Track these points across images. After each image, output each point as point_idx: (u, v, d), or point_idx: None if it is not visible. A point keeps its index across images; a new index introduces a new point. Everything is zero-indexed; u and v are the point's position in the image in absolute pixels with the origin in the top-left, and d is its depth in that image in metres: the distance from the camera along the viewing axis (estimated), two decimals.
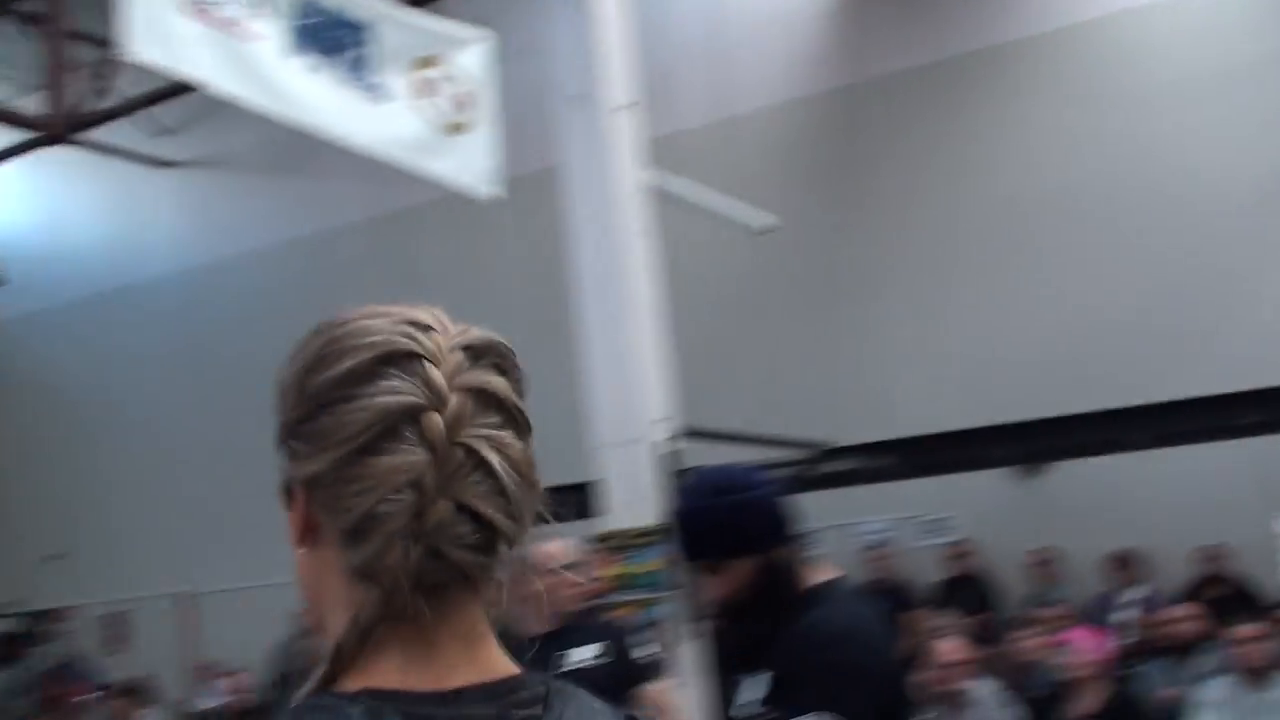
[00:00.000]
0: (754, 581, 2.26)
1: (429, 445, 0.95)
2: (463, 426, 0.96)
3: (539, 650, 3.94)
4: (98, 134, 10.69)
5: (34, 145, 9.86)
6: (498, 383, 1.00)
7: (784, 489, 2.35)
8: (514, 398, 1.02)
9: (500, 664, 1.02)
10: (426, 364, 0.97)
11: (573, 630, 3.97)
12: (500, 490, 0.98)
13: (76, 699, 10.88)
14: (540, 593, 3.96)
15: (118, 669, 11.32)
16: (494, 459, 0.97)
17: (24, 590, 15.22)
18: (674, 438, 6.49)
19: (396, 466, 0.94)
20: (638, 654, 4.03)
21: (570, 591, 4.00)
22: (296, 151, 11.50)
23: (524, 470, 1.00)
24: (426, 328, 1.01)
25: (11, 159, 10.29)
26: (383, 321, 1.01)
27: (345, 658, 0.97)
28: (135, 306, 14.60)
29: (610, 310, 6.41)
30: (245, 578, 13.26)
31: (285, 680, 9.11)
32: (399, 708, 0.93)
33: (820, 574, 2.33)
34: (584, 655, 3.91)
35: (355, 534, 0.96)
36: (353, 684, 0.96)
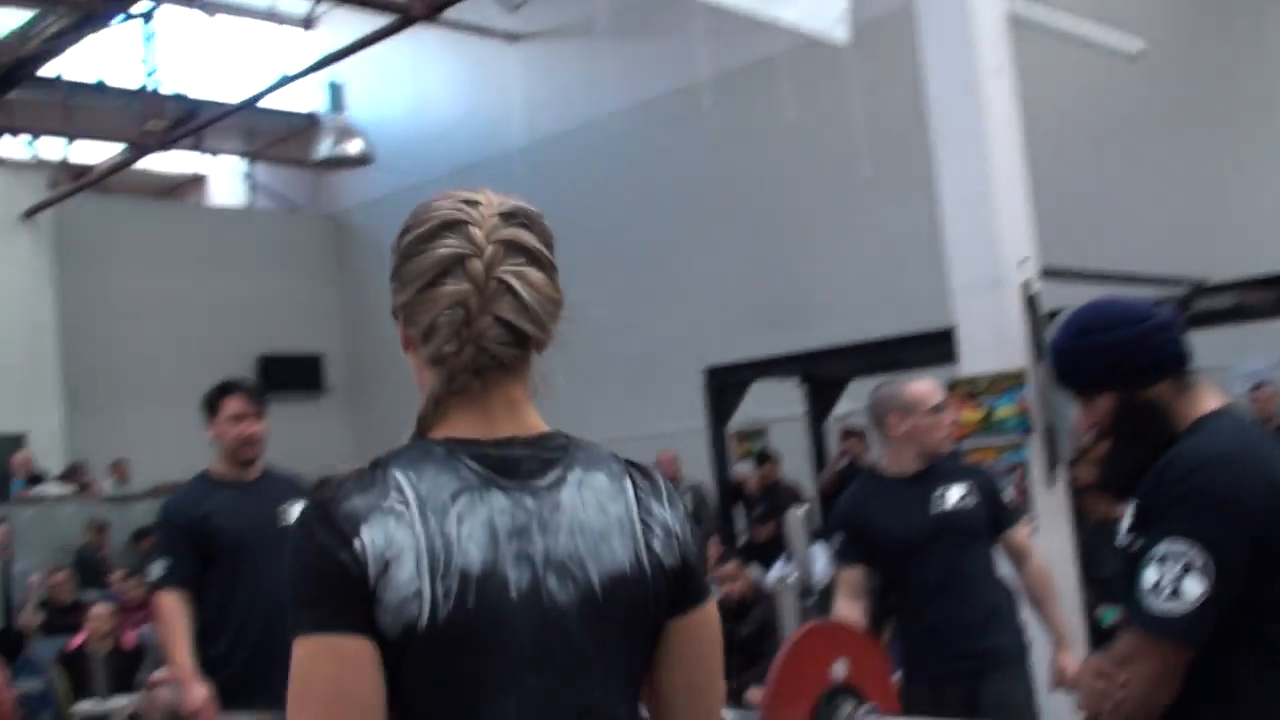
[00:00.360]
0: (1124, 415, 2.26)
1: (472, 280, 1.43)
2: (496, 266, 1.44)
3: (910, 489, 3.96)
4: (453, 13, 11.15)
5: (397, 28, 10.38)
6: (524, 235, 1.47)
7: (1165, 325, 2.27)
8: (537, 244, 1.48)
9: (536, 424, 1.52)
10: (471, 227, 1.45)
11: (941, 471, 3.97)
12: (525, 307, 1.45)
13: None
14: (911, 433, 3.97)
15: None
16: (519, 286, 1.44)
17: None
18: (1035, 279, 6.32)
19: (450, 294, 1.44)
20: (1002, 497, 4.00)
21: (940, 433, 3.99)
22: (643, 12, 11.69)
23: (544, 292, 1.48)
24: (475, 203, 1.48)
25: (377, 43, 10.89)
26: (446, 201, 1.49)
27: (428, 419, 1.48)
28: (492, 179, 14.97)
29: (969, 149, 6.24)
30: (596, 432, 13.85)
31: None
32: (466, 447, 1.44)
33: (1205, 405, 2.25)
34: (952, 496, 3.92)
35: (427, 336, 1.46)
36: (436, 435, 1.47)
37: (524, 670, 1.40)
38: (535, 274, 1.47)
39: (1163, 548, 2.03)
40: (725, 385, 9.95)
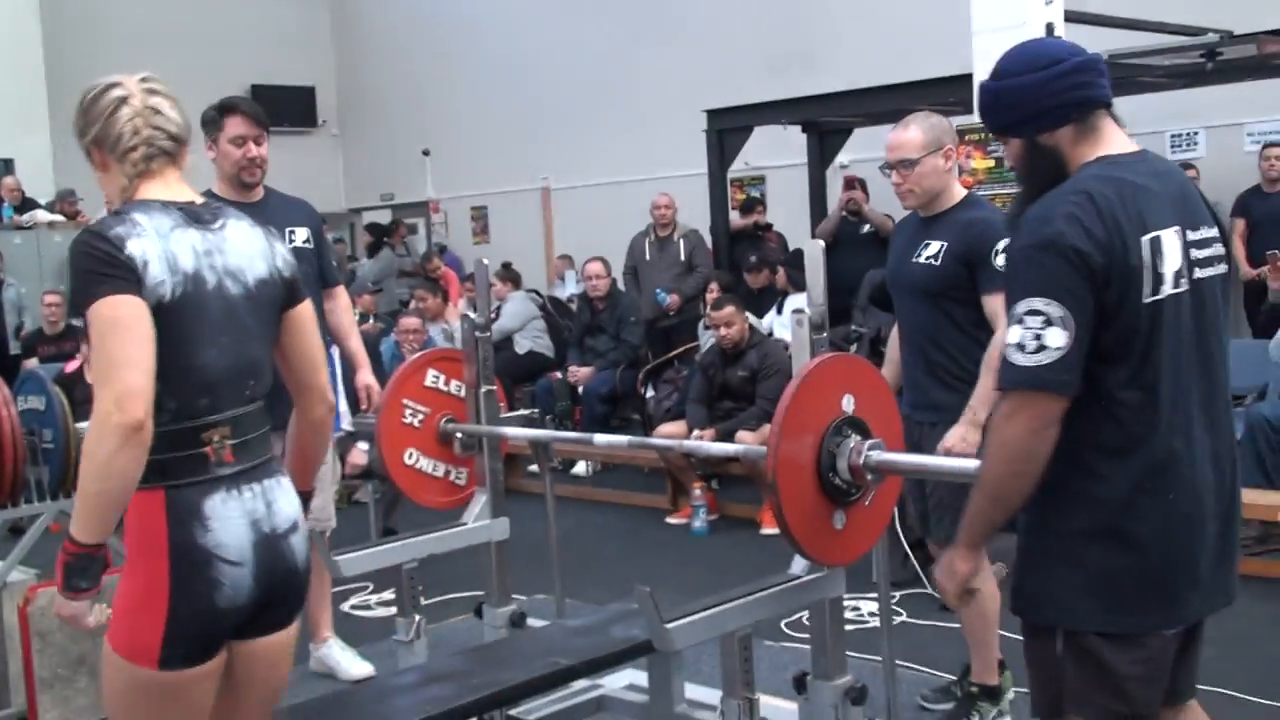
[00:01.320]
0: (1026, 158, 2.33)
1: (134, 110, 2.32)
2: (146, 100, 2.34)
3: (915, 233, 3.83)
4: None
5: None
6: (156, 84, 2.38)
7: (1074, 69, 2.27)
8: (165, 89, 2.38)
9: (196, 195, 2.40)
10: (125, 83, 2.34)
11: (942, 221, 3.74)
12: (170, 119, 2.36)
13: (448, 278, 11.74)
14: (902, 180, 3.78)
15: (480, 257, 12.10)
16: (164, 107, 2.36)
17: (400, 183, 16.37)
18: (1060, 22, 6.10)
19: (126, 116, 2.32)
20: (990, 259, 3.62)
21: (925, 183, 3.75)
22: None
23: (177, 113, 2.37)
24: (127, 77, 2.36)
25: None
26: (104, 77, 2.36)
27: (129, 194, 2.32)
28: None
29: None
30: (594, 175, 13.79)
31: (633, 272, 9.53)
32: (168, 204, 2.32)
33: (1098, 150, 2.26)
34: (927, 251, 3.73)
35: (115, 147, 2.33)
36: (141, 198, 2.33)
37: (218, 334, 2.30)
38: (168, 103, 2.37)
39: (1022, 307, 2.13)
40: (726, 129, 9.75)
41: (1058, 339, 2.11)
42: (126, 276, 2.17)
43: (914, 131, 3.73)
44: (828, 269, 2.91)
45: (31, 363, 8.50)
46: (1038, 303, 2.12)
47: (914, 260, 3.75)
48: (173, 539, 2.21)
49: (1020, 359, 2.13)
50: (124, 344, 2.14)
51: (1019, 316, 2.14)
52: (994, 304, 3.55)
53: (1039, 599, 2.29)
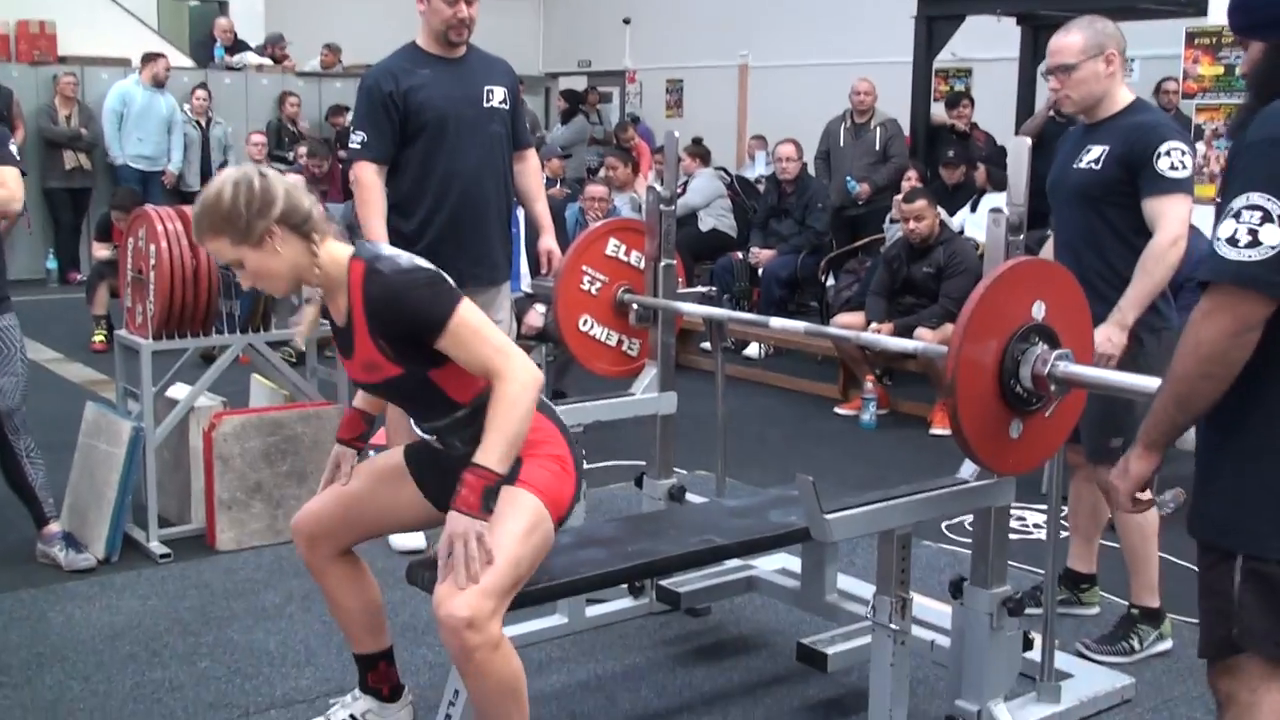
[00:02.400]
0: (1263, 65, 2.15)
1: (289, 187, 2.61)
2: (285, 182, 2.64)
3: (1080, 138, 3.66)
4: None
5: None
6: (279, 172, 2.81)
7: None
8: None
9: None
10: (269, 173, 2.62)
11: (1110, 127, 3.56)
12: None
13: (640, 149, 11.69)
14: (1060, 85, 3.60)
15: (672, 130, 12.02)
16: (300, 184, 2.72)
17: (598, 51, 16.30)
18: None
19: (295, 192, 2.61)
20: (1155, 163, 3.42)
21: (1082, 89, 3.56)
22: None
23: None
24: (253, 167, 2.67)
25: None
26: (246, 168, 2.65)
27: (322, 256, 2.63)
28: None
29: None
30: (794, 56, 13.48)
31: (825, 157, 9.32)
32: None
33: None
34: (1089, 155, 3.55)
35: (305, 221, 2.59)
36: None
37: None
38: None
39: (1239, 201, 1.94)
40: (936, 17, 9.39)
41: (1274, 236, 1.90)
42: (449, 284, 2.63)
43: (1074, 36, 3.60)
44: (1029, 171, 2.78)
45: None
46: (1257, 197, 1.92)
47: (1075, 166, 3.63)
48: (558, 425, 2.77)
49: (1229, 253, 1.93)
50: (495, 330, 2.59)
51: (1235, 210, 1.94)
52: (1154, 207, 3.47)
53: (1220, 522, 2.10)
